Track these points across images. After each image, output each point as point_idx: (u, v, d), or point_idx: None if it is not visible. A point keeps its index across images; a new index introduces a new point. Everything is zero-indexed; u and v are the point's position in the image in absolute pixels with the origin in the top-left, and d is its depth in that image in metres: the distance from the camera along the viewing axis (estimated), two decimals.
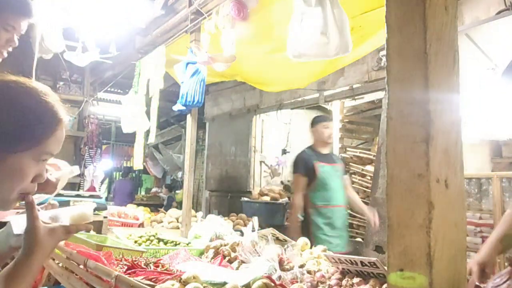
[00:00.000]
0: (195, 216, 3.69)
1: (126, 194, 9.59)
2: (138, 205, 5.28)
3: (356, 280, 1.54)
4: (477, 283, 1.38)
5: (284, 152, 7.37)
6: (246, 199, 6.15)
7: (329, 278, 1.64)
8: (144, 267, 1.74)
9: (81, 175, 6.51)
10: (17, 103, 0.93)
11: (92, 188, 6.64)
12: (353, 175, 5.73)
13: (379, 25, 3.03)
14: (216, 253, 2.08)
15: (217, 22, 3.06)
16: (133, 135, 4.47)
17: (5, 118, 0.90)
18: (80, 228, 1.10)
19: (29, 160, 0.96)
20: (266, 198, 6.01)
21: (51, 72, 6.07)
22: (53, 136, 0.98)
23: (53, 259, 2.04)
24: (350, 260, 1.59)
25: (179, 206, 5.70)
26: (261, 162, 7.18)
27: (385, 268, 1.08)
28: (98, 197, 3.38)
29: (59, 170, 1.38)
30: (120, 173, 10.66)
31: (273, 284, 1.47)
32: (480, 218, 3.38)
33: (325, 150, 3.83)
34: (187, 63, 3.25)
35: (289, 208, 5.95)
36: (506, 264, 1.84)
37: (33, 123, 0.94)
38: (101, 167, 7.08)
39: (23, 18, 1.65)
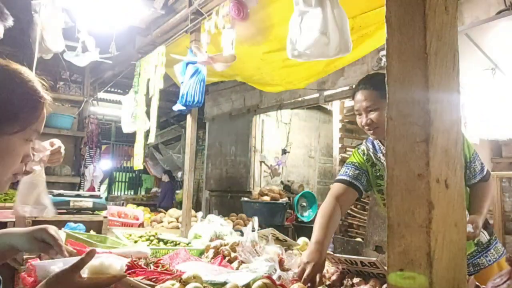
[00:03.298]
0: (195, 216, 3.69)
1: (171, 196, 9.58)
2: (138, 205, 5.28)
3: (356, 280, 1.53)
4: (477, 283, 1.38)
5: (284, 152, 7.38)
6: (246, 199, 6.15)
7: (329, 278, 1.64)
8: (144, 267, 1.74)
9: (82, 175, 6.52)
10: (6, 87, 0.94)
11: (92, 188, 6.64)
12: None
13: (379, 25, 3.03)
14: (216, 253, 2.08)
15: (217, 22, 3.06)
16: (133, 135, 4.47)
17: (1, 102, 0.92)
18: (103, 283, 1.10)
19: (20, 141, 0.98)
20: (266, 198, 6.01)
21: (51, 72, 6.07)
22: (40, 116, 1.00)
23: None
24: (350, 260, 1.59)
25: (179, 206, 5.70)
26: (261, 162, 7.18)
27: (385, 268, 1.08)
28: (98, 197, 3.39)
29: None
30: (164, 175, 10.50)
31: (273, 284, 1.47)
32: None
33: None
34: (187, 63, 3.25)
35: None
36: (500, 252, 1.87)
37: (23, 105, 0.96)
38: (101, 167, 7.07)
39: None
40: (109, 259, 1.14)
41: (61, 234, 1.37)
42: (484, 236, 1.87)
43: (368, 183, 1.97)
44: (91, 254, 1.06)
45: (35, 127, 0.99)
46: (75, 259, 1.09)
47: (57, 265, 1.12)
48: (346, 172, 1.97)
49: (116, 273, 1.13)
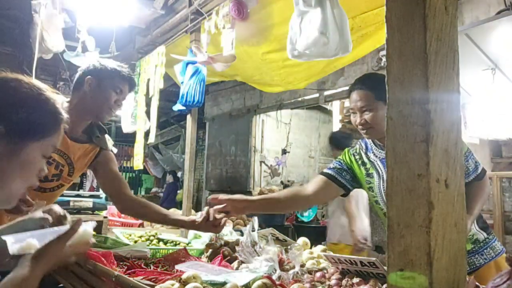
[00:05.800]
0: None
1: (174, 197, 9.51)
2: None
3: (356, 280, 1.53)
4: (477, 283, 1.38)
5: (284, 152, 7.37)
6: None
7: (329, 278, 1.64)
8: (144, 267, 1.75)
9: (83, 175, 6.52)
10: (33, 102, 1.01)
11: (92, 188, 6.65)
12: None
13: (379, 25, 3.03)
14: (216, 253, 2.08)
15: (217, 22, 3.06)
16: (133, 135, 4.47)
17: (22, 112, 0.98)
18: (80, 250, 1.17)
19: (38, 153, 1.03)
20: None
21: (51, 72, 6.07)
22: (59, 130, 1.07)
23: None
24: (350, 260, 1.59)
25: (179, 206, 5.70)
26: (261, 162, 7.18)
27: (385, 268, 1.08)
28: (98, 197, 3.40)
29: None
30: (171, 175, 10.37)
31: (273, 284, 1.47)
32: None
33: None
34: (187, 63, 3.25)
35: None
36: (497, 251, 1.88)
37: (46, 119, 1.03)
38: None
39: (128, 85, 2.02)
40: (83, 226, 1.16)
41: None
42: (481, 235, 1.88)
43: (354, 180, 2.03)
44: (79, 223, 1.11)
45: (53, 141, 1.06)
46: (44, 231, 1.13)
47: (25, 238, 1.11)
48: (330, 166, 2.07)
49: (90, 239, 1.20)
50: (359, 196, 4.11)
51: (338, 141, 4.47)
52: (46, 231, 1.14)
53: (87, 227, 1.18)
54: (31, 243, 1.08)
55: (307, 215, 6.21)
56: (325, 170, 2.06)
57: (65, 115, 1.08)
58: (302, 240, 2.34)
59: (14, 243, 1.06)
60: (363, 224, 3.91)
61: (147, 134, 4.23)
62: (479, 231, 1.88)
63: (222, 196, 1.91)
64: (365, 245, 3.71)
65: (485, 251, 1.87)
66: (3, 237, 1.08)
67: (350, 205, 3.97)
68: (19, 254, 1.04)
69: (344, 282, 1.54)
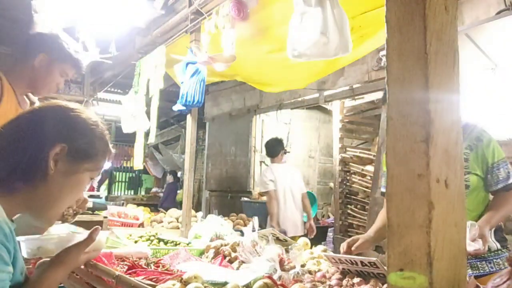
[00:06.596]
0: (195, 216, 3.69)
1: (173, 197, 9.48)
2: (138, 205, 5.28)
3: (356, 280, 1.54)
4: (477, 283, 1.38)
5: (284, 152, 7.36)
6: (246, 199, 6.15)
7: (330, 278, 1.64)
8: (145, 267, 1.75)
9: None
10: (92, 134, 1.11)
11: (92, 188, 6.62)
12: (353, 175, 5.73)
13: (379, 25, 3.03)
14: (217, 253, 2.08)
15: (217, 22, 3.06)
16: (133, 135, 4.47)
17: (82, 138, 1.08)
18: (91, 257, 1.29)
19: (88, 177, 1.12)
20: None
21: None
22: (107, 158, 1.17)
23: None
24: (350, 260, 1.59)
25: (179, 206, 5.70)
26: (261, 162, 7.17)
27: (385, 268, 1.08)
28: (98, 197, 3.40)
29: None
30: (171, 176, 10.35)
31: (274, 284, 1.47)
32: None
33: None
34: (187, 63, 3.25)
35: None
36: (506, 264, 1.87)
37: (100, 149, 1.13)
38: None
39: (74, 70, 2.10)
40: (99, 236, 1.24)
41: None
42: (494, 245, 1.87)
43: None
44: (96, 232, 1.19)
45: (101, 167, 1.16)
46: (50, 237, 1.22)
47: (41, 243, 1.18)
48: (382, 184, 2.23)
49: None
50: (286, 192, 4.66)
51: (270, 149, 4.80)
52: (63, 237, 1.19)
53: (101, 236, 1.24)
54: (47, 248, 1.11)
55: (306, 215, 6.21)
56: (383, 190, 2.18)
57: (112, 149, 1.19)
58: (303, 240, 2.34)
59: (28, 247, 1.10)
60: (285, 217, 4.53)
61: (147, 134, 4.23)
62: (493, 241, 1.86)
63: (356, 248, 2.00)
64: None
65: (494, 260, 1.86)
66: (20, 240, 1.13)
67: (270, 204, 4.56)
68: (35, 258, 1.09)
69: (344, 282, 1.55)
